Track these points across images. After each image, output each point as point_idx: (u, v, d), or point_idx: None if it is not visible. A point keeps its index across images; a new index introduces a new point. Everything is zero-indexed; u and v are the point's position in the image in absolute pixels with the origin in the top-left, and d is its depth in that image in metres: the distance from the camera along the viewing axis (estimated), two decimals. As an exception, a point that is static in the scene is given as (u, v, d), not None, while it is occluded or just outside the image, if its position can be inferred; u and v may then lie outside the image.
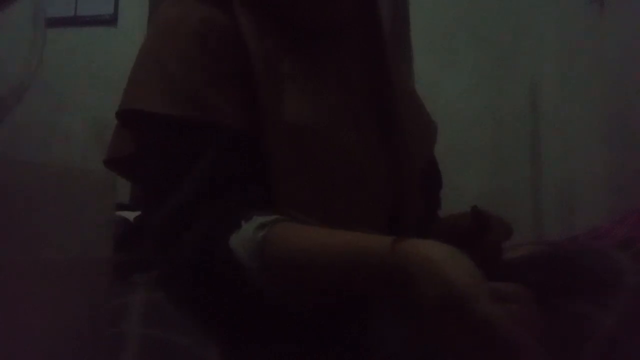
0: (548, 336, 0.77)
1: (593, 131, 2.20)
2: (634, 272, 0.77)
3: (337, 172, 0.86)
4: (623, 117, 2.01)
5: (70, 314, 0.53)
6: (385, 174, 0.92)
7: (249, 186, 0.80)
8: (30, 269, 0.50)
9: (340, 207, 0.86)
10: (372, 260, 0.69)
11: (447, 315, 0.61)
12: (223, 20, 0.86)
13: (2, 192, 0.48)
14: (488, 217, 0.91)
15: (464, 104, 2.70)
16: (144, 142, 0.86)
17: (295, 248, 0.75)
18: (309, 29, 0.91)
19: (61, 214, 0.52)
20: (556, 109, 2.52)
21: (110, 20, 3.05)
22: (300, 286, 0.77)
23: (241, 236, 0.75)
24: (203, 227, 0.77)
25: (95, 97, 2.76)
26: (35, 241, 0.51)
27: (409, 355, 0.74)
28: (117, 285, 0.69)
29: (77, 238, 0.54)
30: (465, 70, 2.77)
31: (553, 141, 2.55)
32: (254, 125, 0.82)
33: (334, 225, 0.84)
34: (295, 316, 0.77)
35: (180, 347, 0.68)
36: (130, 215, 1.00)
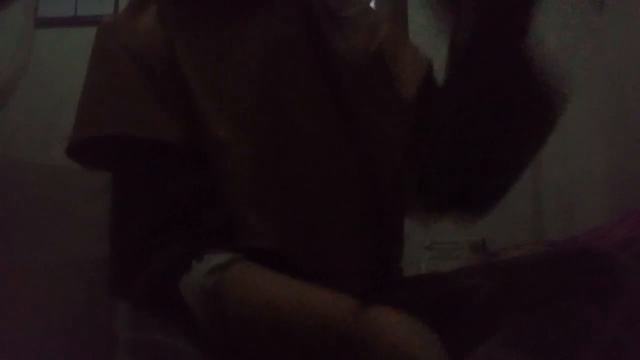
0: (548, 337, 0.77)
1: (593, 131, 2.20)
2: (634, 273, 0.76)
3: (295, 155, 0.82)
4: (623, 117, 2.00)
5: (70, 313, 0.53)
6: (350, 149, 0.87)
7: (203, 209, 0.76)
8: (30, 269, 0.50)
9: (311, 200, 0.83)
10: (331, 332, 0.66)
11: None
12: (155, 31, 0.82)
13: (2, 192, 0.48)
14: None
15: (464, 104, 2.70)
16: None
17: (247, 300, 0.71)
18: (238, 6, 0.86)
19: (61, 214, 0.52)
20: (556, 109, 2.52)
21: (110, 20, 3.05)
22: (251, 343, 0.73)
23: (191, 280, 0.72)
24: (153, 266, 0.74)
25: (95, 97, 2.75)
26: (35, 241, 0.50)
27: None
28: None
29: (76, 238, 0.54)
30: (465, 70, 2.76)
31: (553, 141, 2.54)
32: (197, 140, 0.78)
33: (305, 216, 0.80)
34: None
35: (172, 348, 0.68)
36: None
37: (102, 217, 0.61)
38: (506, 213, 2.69)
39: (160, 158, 0.77)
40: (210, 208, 0.77)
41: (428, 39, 2.73)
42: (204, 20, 0.84)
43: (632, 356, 0.72)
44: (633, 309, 0.74)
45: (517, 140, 0.87)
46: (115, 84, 0.80)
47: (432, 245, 2.22)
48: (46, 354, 0.50)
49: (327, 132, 0.86)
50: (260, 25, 0.86)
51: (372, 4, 2.17)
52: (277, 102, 0.83)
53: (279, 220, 0.80)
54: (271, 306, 0.70)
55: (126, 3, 0.87)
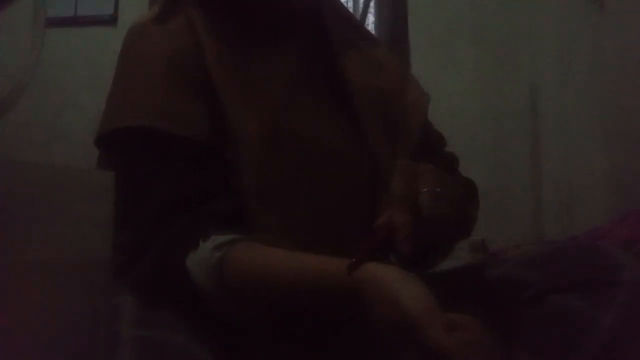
0: (547, 333, 0.78)
1: (593, 131, 2.20)
2: (633, 269, 0.77)
3: (313, 172, 0.86)
4: (623, 117, 2.01)
5: (70, 314, 0.53)
6: (363, 169, 0.91)
7: (214, 201, 0.80)
8: (30, 269, 0.50)
9: (323, 210, 0.86)
10: (328, 285, 0.70)
11: (401, 339, 0.63)
12: (185, 35, 0.87)
13: (2, 192, 0.48)
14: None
15: (464, 104, 2.70)
16: (114, 163, 0.86)
17: (251, 271, 0.75)
18: (263, 27, 0.92)
19: (61, 214, 0.53)
20: (556, 109, 2.53)
21: (110, 20, 3.05)
22: (257, 309, 0.77)
23: (198, 256, 0.76)
24: (161, 246, 0.78)
25: (95, 97, 2.75)
26: (35, 241, 0.51)
27: None
28: (114, 286, 0.69)
29: (76, 238, 0.54)
30: (465, 70, 2.77)
31: (553, 141, 2.55)
32: (220, 137, 0.82)
33: (316, 225, 0.83)
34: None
35: (175, 345, 0.68)
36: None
37: (103, 217, 0.61)
38: (506, 213, 2.70)
39: (180, 151, 0.81)
40: (219, 199, 0.80)
41: (428, 39, 2.71)
42: (235, 35, 0.89)
43: (629, 352, 0.72)
44: (631, 305, 0.74)
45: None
46: (145, 80, 0.84)
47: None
48: (47, 353, 0.50)
49: (338, 142, 0.90)
50: (285, 47, 0.92)
51: (371, 8, 2.17)
52: (295, 111, 0.87)
53: (285, 215, 0.82)
54: (270, 271, 0.74)
55: (155, 7, 0.91)
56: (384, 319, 0.64)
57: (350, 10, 2.04)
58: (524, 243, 1.92)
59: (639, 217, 1.56)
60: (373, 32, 1.84)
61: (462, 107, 2.68)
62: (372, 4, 2.18)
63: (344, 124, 0.93)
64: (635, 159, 1.88)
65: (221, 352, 0.74)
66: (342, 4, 1.12)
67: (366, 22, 2.26)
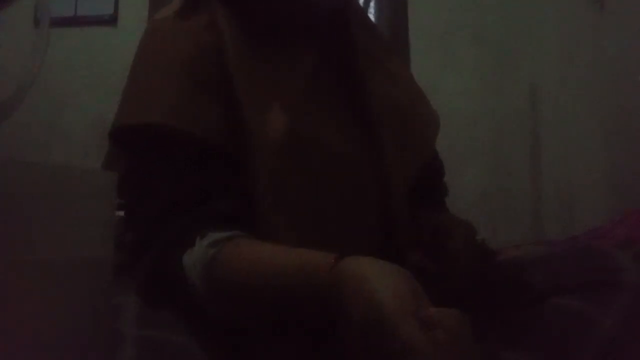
0: (547, 333, 0.78)
1: (593, 131, 2.20)
2: (634, 271, 0.77)
3: (325, 178, 0.86)
4: (623, 117, 2.01)
5: (70, 314, 0.53)
6: (373, 178, 0.91)
7: (214, 201, 0.80)
8: (30, 269, 0.50)
9: (332, 216, 0.86)
10: (308, 278, 0.67)
11: (370, 337, 0.59)
12: (206, 34, 0.86)
13: (2, 192, 0.48)
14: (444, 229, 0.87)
15: (464, 104, 2.71)
16: (125, 159, 0.87)
17: (238, 268, 0.74)
18: (284, 28, 0.91)
19: (61, 214, 0.52)
20: (556, 109, 2.53)
21: (110, 20, 3.05)
22: (248, 307, 0.76)
23: (193, 255, 0.76)
24: (160, 246, 0.78)
25: (95, 97, 2.76)
26: (35, 241, 0.51)
27: None
28: (115, 286, 0.69)
29: (77, 238, 0.54)
30: (465, 70, 2.77)
31: (553, 141, 2.55)
32: (233, 138, 0.82)
33: (324, 229, 0.83)
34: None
35: (176, 345, 0.68)
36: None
37: (103, 217, 0.61)
38: (506, 213, 2.70)
39: (186, 150, 0.81)
40: (220, 199, 0.80)
41: (428, 39, 2.72)
42: (257, 35, 0.88)
43: (630, 354, 0.72)
44: (632, 307, 0.74)
45: None
46: (160, 78, 0.84)
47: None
48: (47, 353, 0.50)
49: (348, 147, 0.90)
50: (304, 49, 0.91)
51: (371, 8, 2.17)
52: (310, 115, 0.87)
53: (294, 216, 0.82)
54: (256, 268, 0.74)
55: (176, 6, 0.91)
56: (354, 314, 0.60)
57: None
58: (524, 243, 1.92)
59: (639, 217, 1.56)
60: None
61: (462, 107, 2.68)
62: (372, 4, 2.18)
63: (355, 129, 0.92)
64: (635, 159, 1.88)
65: (221, 353, 0.74)
66: (365, 12, 1.11)
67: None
